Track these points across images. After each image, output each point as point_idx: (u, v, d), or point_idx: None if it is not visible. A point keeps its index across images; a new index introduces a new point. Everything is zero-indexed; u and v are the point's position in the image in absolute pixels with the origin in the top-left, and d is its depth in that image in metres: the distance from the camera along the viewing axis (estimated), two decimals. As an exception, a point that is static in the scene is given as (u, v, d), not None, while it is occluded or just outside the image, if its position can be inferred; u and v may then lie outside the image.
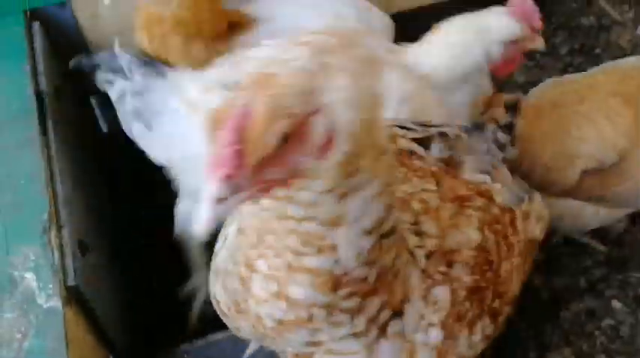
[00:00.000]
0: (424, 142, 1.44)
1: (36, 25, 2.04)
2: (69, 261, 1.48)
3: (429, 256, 1.21)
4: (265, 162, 0.86)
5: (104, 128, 2.89)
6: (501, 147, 1.61)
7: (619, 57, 2.22)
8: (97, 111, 2.84)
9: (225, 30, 1.95)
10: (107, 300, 1.82)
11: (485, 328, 1.32)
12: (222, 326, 1.36)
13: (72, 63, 1.91)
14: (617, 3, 2.98)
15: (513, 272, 1.40)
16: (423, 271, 1.19)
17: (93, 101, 2.76)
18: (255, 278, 1.11)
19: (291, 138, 0.86)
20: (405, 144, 1.40)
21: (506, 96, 1.79)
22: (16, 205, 1.54)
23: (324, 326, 1.13)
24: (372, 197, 1.00)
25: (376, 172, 1.00)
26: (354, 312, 1.12)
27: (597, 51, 2.85)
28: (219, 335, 1.80)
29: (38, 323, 1.36)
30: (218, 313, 1.33)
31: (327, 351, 1.18)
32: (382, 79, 0.97)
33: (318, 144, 0.90)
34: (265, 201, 1.02)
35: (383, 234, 1.07)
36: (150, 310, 2.17)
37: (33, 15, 2.07)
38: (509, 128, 1.64)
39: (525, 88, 2.39)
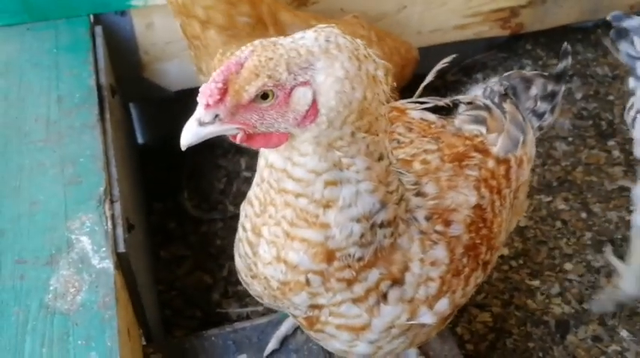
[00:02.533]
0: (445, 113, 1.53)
1: (99, 28, 2.23)
2: (119, 232, 1.60)
3: (428, 218, 1.27)
4: (243, 107, 1.01)
5: (139, 138, 3.04)
6: (540, 115, 1.69)
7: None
8: (135, 121, 3.00)
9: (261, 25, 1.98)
10: (145, 278, 1.92)
11: (477, 278, 1.39)
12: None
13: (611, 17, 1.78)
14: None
15: (503, 223, 1.46)
16: (422, 232, 1.25)
17: (132, 110, 2.93)
18: (261, 243, 1.24)
19: (273, 97, 1.01)
20: (415, 113, 1.50)
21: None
22: (77, 178, 1.68)
23: (322, 291, 1.23)
24: (364, 191, 1.12)
25: (371, 174, 1.11)
26: (350, 282, 1.21)
27: (610, 97, 3.02)
28: (245, 324, 1.89)
29: (91, 281, 1.47)
30: (243, 284, 1.42)
31: (331, 313, 1.27)
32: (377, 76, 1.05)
33: (299, 112, 1.03)
34: (265, 172, 1.16)
35: (379, 224, 1.16)
36: (176, 297, 2.27)
37: (97, 19, 2.27)
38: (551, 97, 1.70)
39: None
